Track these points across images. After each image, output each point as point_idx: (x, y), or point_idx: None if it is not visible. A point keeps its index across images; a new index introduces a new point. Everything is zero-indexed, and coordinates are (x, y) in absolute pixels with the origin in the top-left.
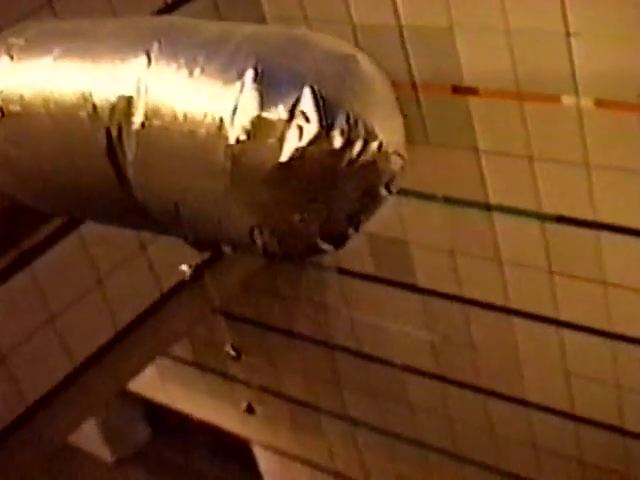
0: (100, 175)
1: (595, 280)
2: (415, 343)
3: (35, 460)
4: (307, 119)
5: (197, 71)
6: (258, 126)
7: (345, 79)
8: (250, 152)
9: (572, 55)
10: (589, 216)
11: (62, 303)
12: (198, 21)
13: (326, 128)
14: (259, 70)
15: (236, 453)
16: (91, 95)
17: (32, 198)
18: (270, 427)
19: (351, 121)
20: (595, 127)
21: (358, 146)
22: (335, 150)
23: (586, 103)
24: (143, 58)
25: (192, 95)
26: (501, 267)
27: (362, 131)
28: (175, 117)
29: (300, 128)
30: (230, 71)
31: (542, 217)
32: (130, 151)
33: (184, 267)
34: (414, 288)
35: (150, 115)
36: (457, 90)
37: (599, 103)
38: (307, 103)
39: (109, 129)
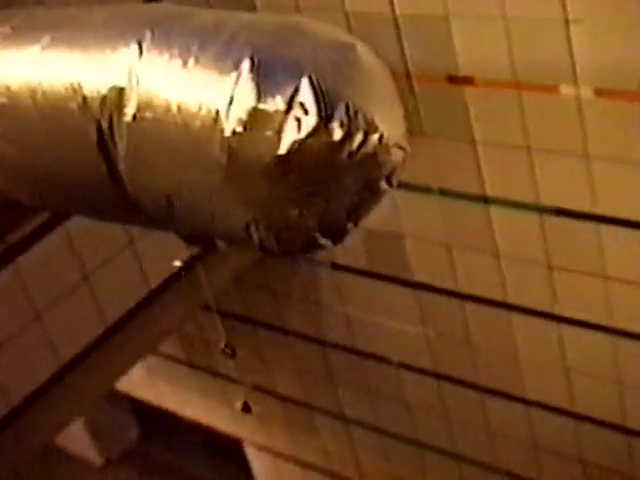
0: (91, 169)
1: (595, 274)
2: (411, 340)
3: (20, 463)
4: (305, 111)
5: (191, 61)
6: (255, 118)
7: (344, 69)
8: (247, 145)
9: (571, 43)
10: (589, 208)
11: (48, 300)
12: (191, 9)
13: (325, 120)
14: (255, 60)
15: (228, 453)
16: (81, 86)
17: (19, 192)
18: (263, 426)
19: (351, 112)
20: (595, 117)
21: (358, 138)
22: (335, 142)
23: (586, 92)
24: (135, 47)
25: (186, 86)
26: (498, 261)
27: (362, 123)
28: (168, 109)
29: (298, 120)
30: (225, 61)
31: (540, 209)
32: (122, 144)
33: (177, 263)
34: (409, 283)
35: (142, 107)
36: (453, 80)
37: (599, 92)
38: (305, 94)
39: (100, 121)
